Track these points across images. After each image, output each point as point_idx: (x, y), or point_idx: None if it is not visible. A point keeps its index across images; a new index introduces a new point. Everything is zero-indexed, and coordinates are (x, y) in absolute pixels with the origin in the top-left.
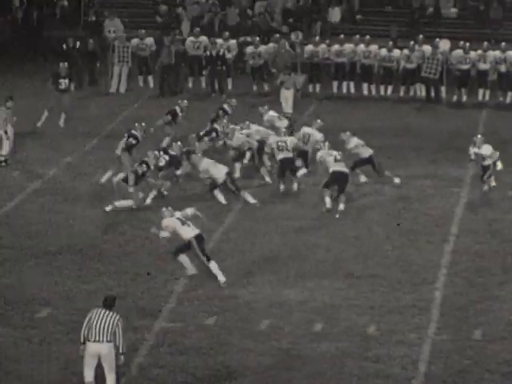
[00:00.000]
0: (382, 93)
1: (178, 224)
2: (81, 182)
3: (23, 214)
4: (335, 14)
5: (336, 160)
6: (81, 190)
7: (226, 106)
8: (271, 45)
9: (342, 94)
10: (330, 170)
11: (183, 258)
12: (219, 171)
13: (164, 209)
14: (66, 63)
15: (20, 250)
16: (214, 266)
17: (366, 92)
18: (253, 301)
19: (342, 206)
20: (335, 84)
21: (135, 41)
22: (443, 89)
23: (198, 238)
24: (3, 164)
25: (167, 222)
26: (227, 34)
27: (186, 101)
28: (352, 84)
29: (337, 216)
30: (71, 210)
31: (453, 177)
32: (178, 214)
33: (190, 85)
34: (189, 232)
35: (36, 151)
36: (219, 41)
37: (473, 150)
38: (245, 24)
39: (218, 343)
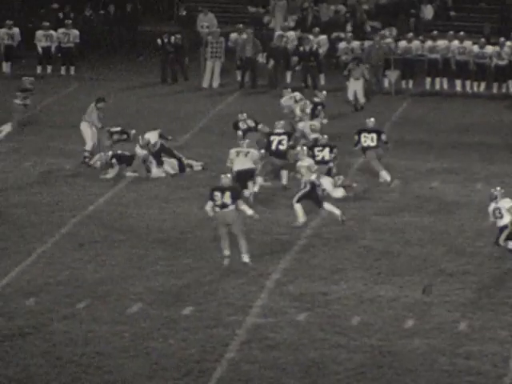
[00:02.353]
0: (476, 89)
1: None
2: (174, 178)
3: (115, 208)
4: (428, 11)
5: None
6: (173, 185)
7: (317, 99)
8: (365, 40)
9: (434, 90)
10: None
11: (298, 207)
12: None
13: None
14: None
15: (111, 244)
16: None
17: (459, 88)
18: (344, 297)
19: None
20: (428, 80)
21: (233, 35)
22: None
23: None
24: (85, 160)
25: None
26: (317, 29)
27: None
28: (445, 80)
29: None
30: (163, 206)
31: None
32: None
33: (288, 79)
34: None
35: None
36: (311, 36)
37: None
38: (337, 19)
39: (309, 339)
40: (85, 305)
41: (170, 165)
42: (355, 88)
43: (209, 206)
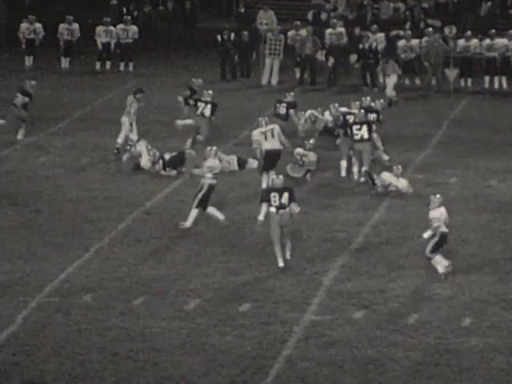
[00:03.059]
0: None
1: None
2: (228, 177)
3: (172, 204)
4: (487, 9)
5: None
6: (229, 184)
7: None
8: (424, 38)
9: (493, 88)
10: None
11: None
12: None
13: None
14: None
15: (169, 241)
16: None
17: None
18: (401, 295)
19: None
20: (487, 79)
21: (292, 32)
22: None
23: None
24: (115, 151)
25: None
26: (375, 26)
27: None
28: (504, 79)
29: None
30: (221, 202)
31: None
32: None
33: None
34: None
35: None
36: (369, 34)
37: None
38: (397, 17)
39: (366, 337)
40: (142, 301)
41: (229, 161)
42: (388, 82)
43: (265, 208)
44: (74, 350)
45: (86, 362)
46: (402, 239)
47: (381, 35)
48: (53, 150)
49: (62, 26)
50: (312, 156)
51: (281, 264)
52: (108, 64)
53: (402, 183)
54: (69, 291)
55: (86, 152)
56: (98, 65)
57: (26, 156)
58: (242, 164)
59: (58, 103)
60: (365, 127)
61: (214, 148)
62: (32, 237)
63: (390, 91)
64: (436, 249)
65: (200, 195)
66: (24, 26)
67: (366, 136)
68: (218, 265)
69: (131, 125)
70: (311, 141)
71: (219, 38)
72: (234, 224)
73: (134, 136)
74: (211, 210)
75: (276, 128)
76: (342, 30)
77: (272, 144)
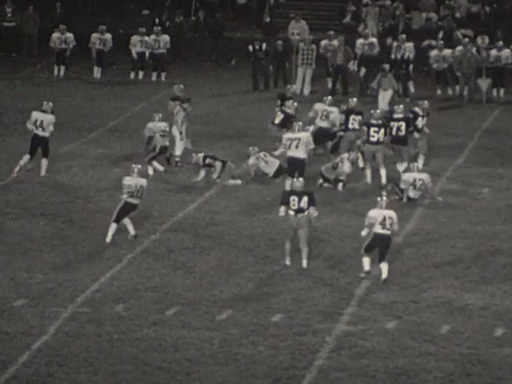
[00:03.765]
0: None
1: None
2: (261, 185)
3: (204, 215)
4: None
5: None
6: (263, 191)
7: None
8: (457, 48)
9: None
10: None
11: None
12: None
13: None
14: None
15: (201, 251)
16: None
17: None
18: (434, 305)
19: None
20: None
21: (324, 42)
22: None
23: None
24: (179, 164)
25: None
26: (404, 36)
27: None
28: None
29: None
30: (253, 212)
31: None
32: None
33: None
34: None
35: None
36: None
37: None
38: (429, 27)
39: (399, 347)
40: (174, 311)
41: (268, 162)
42: (383, 97)
43: (283, 210)
44: (105, 361)
45: (118, 372)
46: (434, 249)
47: (410, 45)
48: (85, 160)
49: (94, 36)
50: (347, 167)
51: (287, 262)
52: (141, 74)
53: (425, 175)
54: (101, 301)
55: (118, 162)
56: (132, 74)
57: (58, 166)
58: (279, 172)
59: (90, 113)
60: (382, 130)
61: (256, 148)
62: (64, 247)
63: (384, 106)
64: (367, 249)
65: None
66: (55, 35)
67: (381, 139)
68: (250, 275)
69: (180, 133)
70: (352, 155)
71: (251, 48)
72: (265, 234)
73: (178, 151)
74: None
75: (304, 137)
76: (374, 40)
77: (294, 152)
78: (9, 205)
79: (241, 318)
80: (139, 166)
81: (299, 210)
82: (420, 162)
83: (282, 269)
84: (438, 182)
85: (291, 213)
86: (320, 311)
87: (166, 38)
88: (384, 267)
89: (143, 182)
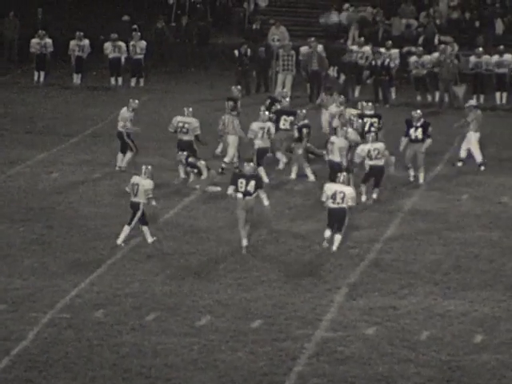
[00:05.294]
0: None
1: None
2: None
3: (184, 220)
4: (498, 26)
5: None
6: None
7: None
8: (435, 55)
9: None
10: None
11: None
12: None
13: None
14: None
15: (181, 256)
16: None
17: None
18: (413, 311)
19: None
20: (498, 95)
21: (304, 48)
22: None
23: None
24: (220, 170)
25: None
26: (390, 43)
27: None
28: None
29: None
30: (232, 218)
31: None
32: None
33: (356, 93)
34: None
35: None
36: (382, 50)
37: None
38: (409, 34)
39: (378, 353)
40: (154, 317)
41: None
42: (325, 118)
43: (231, 190)
44: (85, 366)
45: (97, 378)
46: (413, 255)
47: (395, 51)
48: (65, 165)
49: (72, 43)
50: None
51: (244, 243)
52: (119, 80)
53: (379, 145)
54: (80, 307)
55: (98, 168)
56: (112, 80)
57: (38, 172)
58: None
59: (70, 118)
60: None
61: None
62: (44, 253)
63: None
64: (328, 224)
65: None
66: (34, 41)
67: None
68: (229, 281)
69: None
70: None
71: (236, 52)
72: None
73: (228, 159)
74: None
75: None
76: (354, 46)
77: (263, 142)
78: None
79: (220, 324)
80: (149, 167)
81: (246, 193)
82: (421, 176)
83: (261, 275)
84: (417, 188)
85: (239, 195)
86: (299, 317)
87: (142, 43)
88: (336, 239)
89: (143, 182)
